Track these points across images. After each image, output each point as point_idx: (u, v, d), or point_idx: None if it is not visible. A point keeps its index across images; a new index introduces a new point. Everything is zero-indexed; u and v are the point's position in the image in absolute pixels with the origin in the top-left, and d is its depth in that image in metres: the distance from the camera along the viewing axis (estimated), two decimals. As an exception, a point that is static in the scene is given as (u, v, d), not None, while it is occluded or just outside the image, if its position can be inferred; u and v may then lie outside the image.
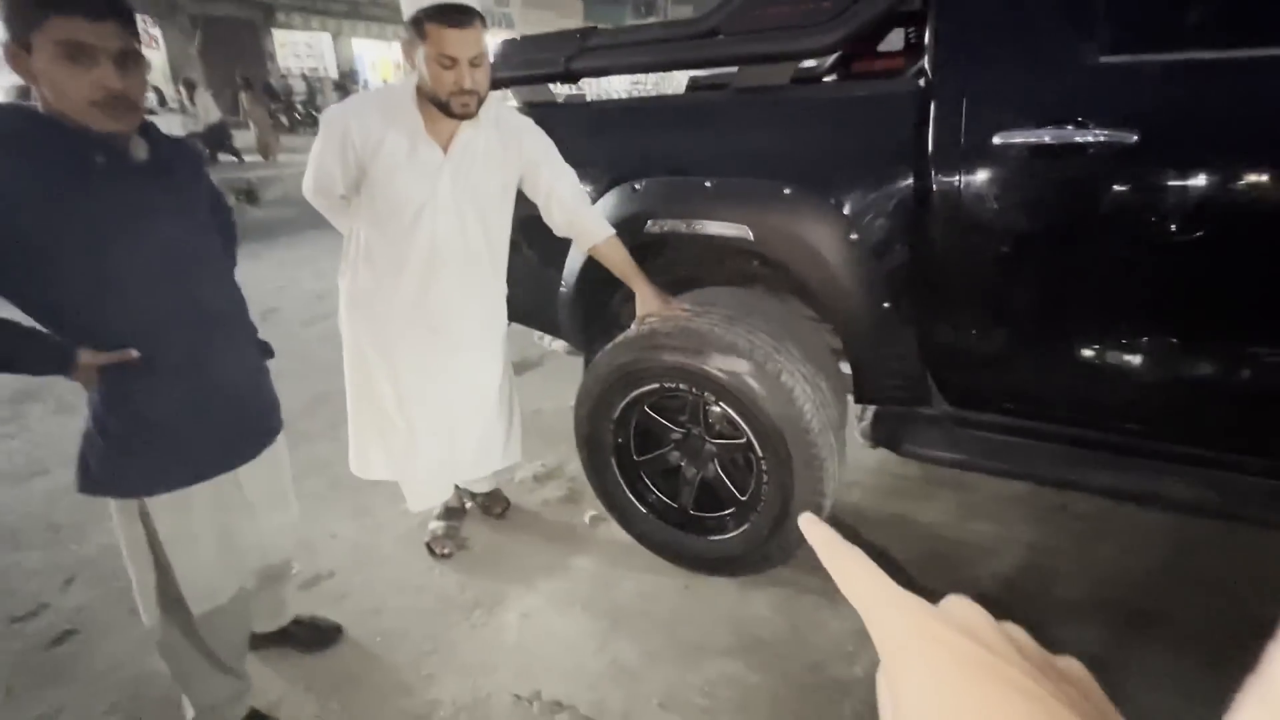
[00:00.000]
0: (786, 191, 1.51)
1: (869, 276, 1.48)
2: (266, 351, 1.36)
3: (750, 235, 1.55)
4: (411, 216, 1.47)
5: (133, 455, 1.11)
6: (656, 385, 1.61)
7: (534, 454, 2.31)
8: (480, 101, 1.40)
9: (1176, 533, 1.85)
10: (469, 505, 2.05)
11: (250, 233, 6.22)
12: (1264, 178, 1.14)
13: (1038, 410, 1.48)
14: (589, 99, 2.06)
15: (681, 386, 1.58)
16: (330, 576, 1.86)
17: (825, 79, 1.75)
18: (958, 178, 1.33)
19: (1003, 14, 1.30)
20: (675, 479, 1.75)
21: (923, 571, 1.80)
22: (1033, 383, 1.44)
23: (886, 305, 1.49)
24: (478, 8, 1.33)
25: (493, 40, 1.57)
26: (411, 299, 1.54)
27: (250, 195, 7.52)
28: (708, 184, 1.59)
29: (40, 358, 1.04)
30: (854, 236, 1.46)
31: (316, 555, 1.93)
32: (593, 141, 1.81)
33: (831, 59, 2.29)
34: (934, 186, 1.35)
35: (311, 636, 1.61)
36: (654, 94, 2.04)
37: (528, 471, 2.27)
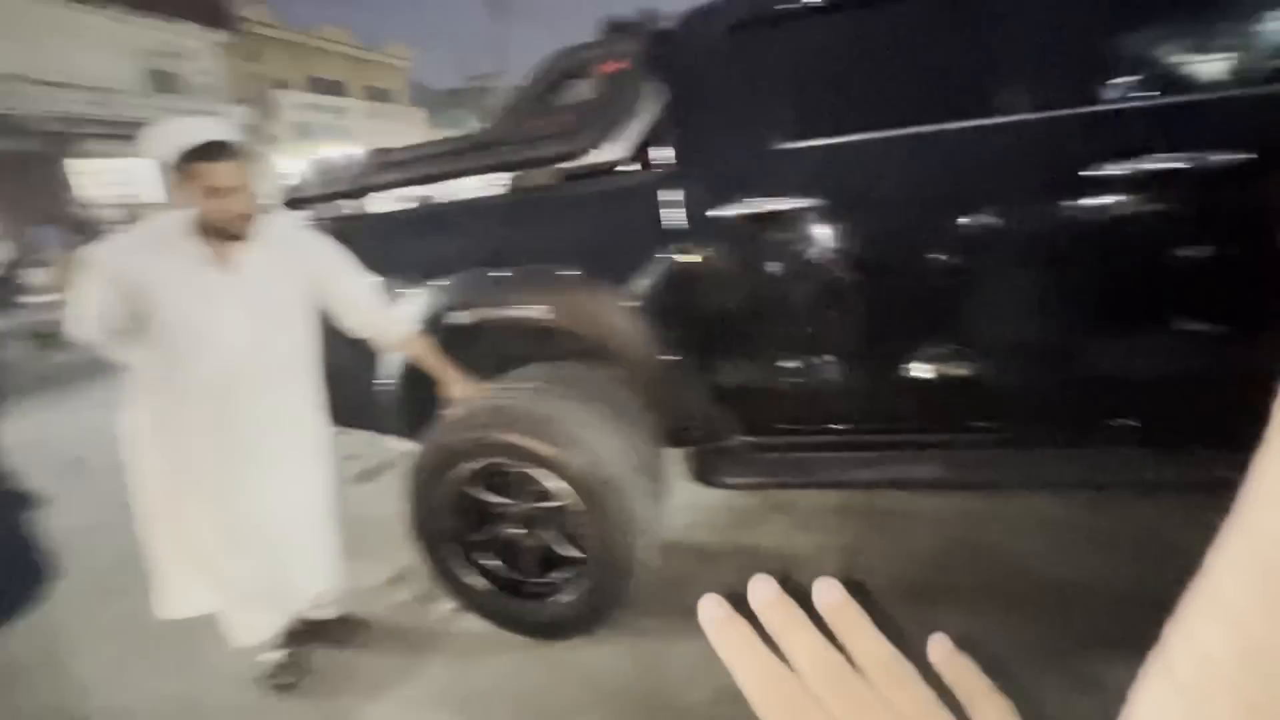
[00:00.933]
0: (572, 273, 1.73)
1: (650, 337, 1.71)
2: (25, 500, 1.29)
3: (550, 314, 1.74)
4: (200, 339, 1.49)
5: None
6: (476, 463, 1.69)
7: (385, 558, 2.25)
8: (251, 221, 1.49)
9: (955, 510, 2.20)
10: (309, 631, 1.93)
11: (51, 379, 5.55)
12: (908, 223, 1.52)
13: (804, 427, 1.75)
14: (400, 208, 2.21)
15: (498, 460, 1.68)
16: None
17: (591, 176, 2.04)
18: (689, 246, 1.63)
19: (705, 118, 1.64)
20: (511, 551, 1.81)
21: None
22: (793, 405, 1.71)
23: (670, 359, 1.72)
24: (231, 142, 1.44)
25: (334, 152, 1.67)
26: (211, 420, 1.53)
27: (49, 339, 6.74)
28: (509, 273, 1.78)
29: None
30: (630, 305, 1.70)
31: None
32: (399, 246, 1.95)
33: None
34: (674, 256, 1.63)
35: None
36: (456, 199, 2.24)
37: (378, 577, 2.21)
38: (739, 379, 1.72)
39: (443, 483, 1.74)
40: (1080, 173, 1.38)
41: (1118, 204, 1.38)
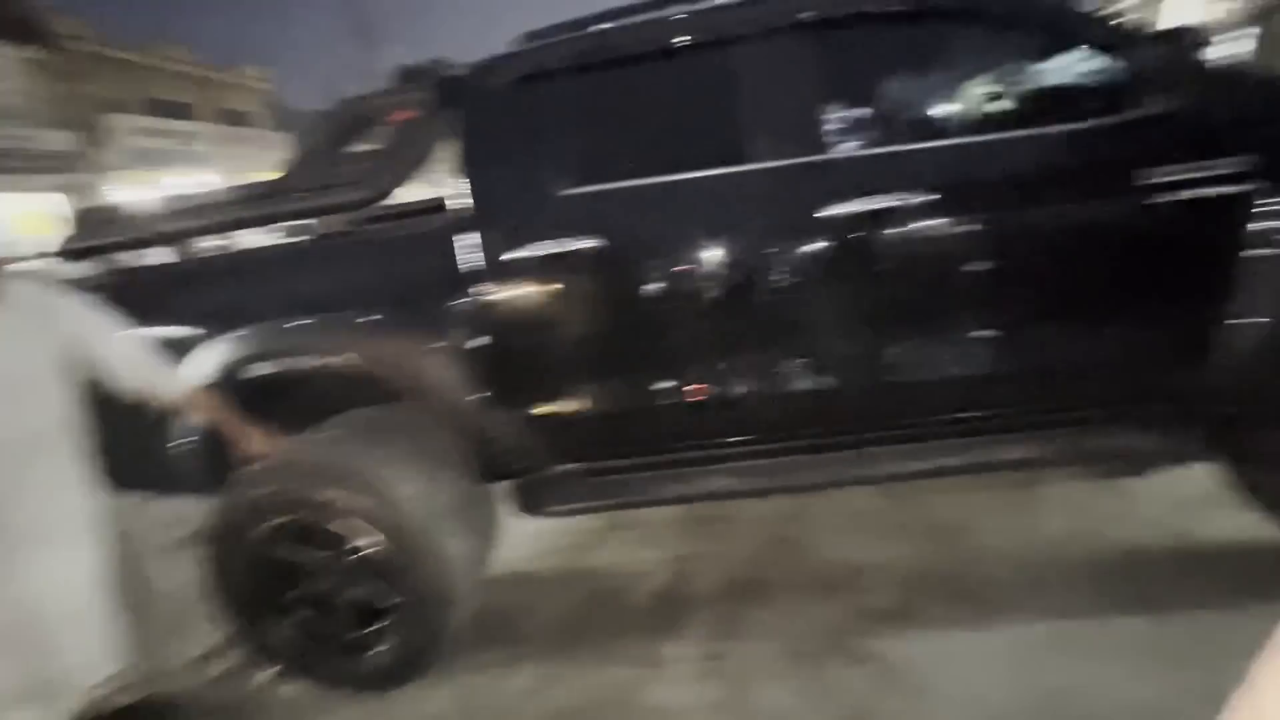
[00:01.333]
0: (374, 319, 1.73)
1: (458, 376, 1.74)
2: None
3: (354, 362, 1.73)
4: None
5: None
6: (276, 520, 1.64)
7: (204, 628, 2.10)
8: None
9: (776, 511, 2.39)
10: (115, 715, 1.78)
11: None
12: (682, 257, 1.66)
13: (615, 449, 1.85)
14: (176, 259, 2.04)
15: (300, 515, 1.64)
16: None
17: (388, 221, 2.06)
18: (487, 288, 1.69)
19: (496, 165, 1.72)
20: (326, 606, 1.76)
21: (593, 608, 2.05)
22: (602, 430, 1.81)
23: (480, 396, 1.76)
24: None
25: (187, 182, 1.54)
26: None
27: None
28: (309, 322, 1.75)
29: None
30: (437, 346, 1.72)
31: None
32: (189, 297, 1.86)
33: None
34: (474, 298, 1.69)
35: None
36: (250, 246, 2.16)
37: (196, 650, 2.06)
38: (549, 410, 1.79)
39: (243, 544, 1.66)
40: (814, 213, 1.59)
41: (850, 235, 1.60)
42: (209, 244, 2.00)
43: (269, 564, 1.69)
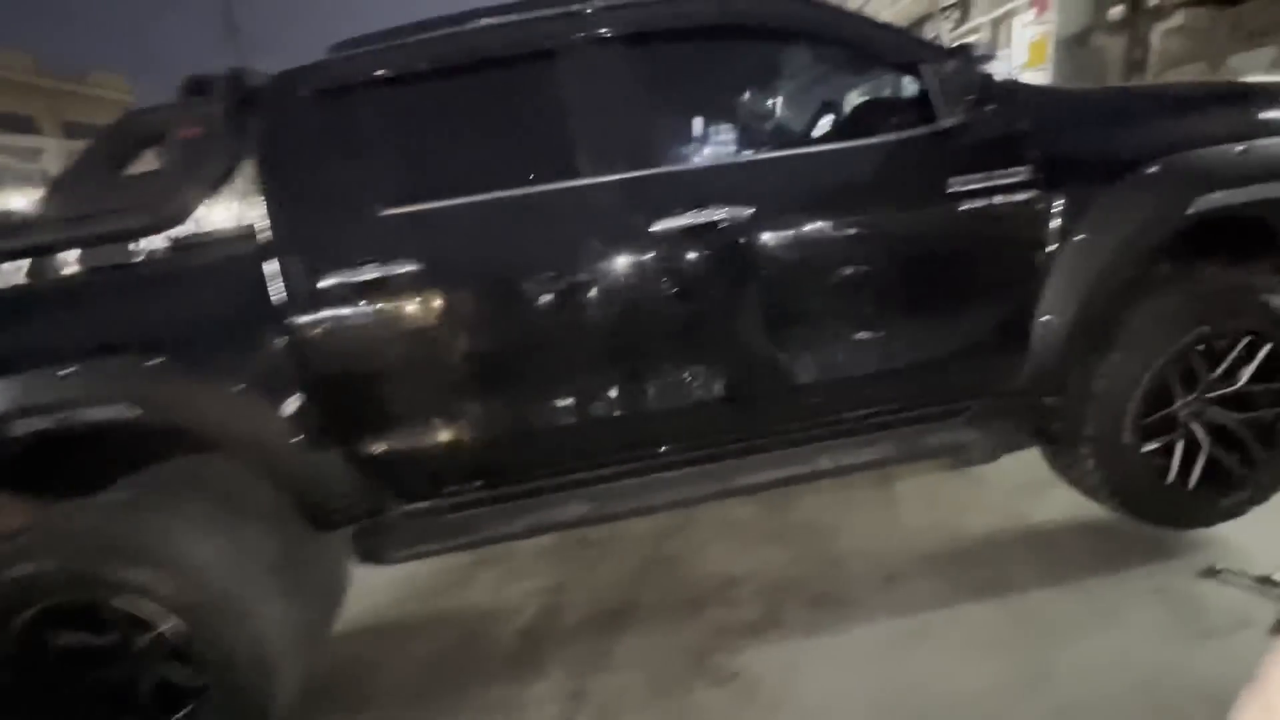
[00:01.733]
0: (168, 360, 1.52)
1: (275, 418, 1.56)
2: None
3: (139, 411, 1.51)
4: None
5: None
6: (44, 602, 1.40)
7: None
8: None
9: (651, 529, 2.34)
10: None
11: None
12: (515, 278, 1.58)
13: (460, 484, 1.73)
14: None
15: (75, 595, 1.40)
16: None
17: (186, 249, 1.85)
18: (304, 318, 1.52)
19: (304, 185, 1.57)
20: (122, 697, 1.53)
21: (453, 656, 1.91)
22: (440, 464, 1.68)
23: (304, 438, 1.59)
24: None
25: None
26: None
27: None
28: (74, 369, 1.51)
29: None
30: (245, 386, 1.54)
31: None
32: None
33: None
34: (288, 330, 1.52)
35: None
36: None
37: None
38: (381, 447, 1.64)
39: (6, 632, 1.41)
40: (648, 227, 1.55)
41: (684, 248, 1.57)
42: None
43: (41, 655, 1.44)
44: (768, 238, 1.59)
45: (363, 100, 1.59)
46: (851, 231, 1.63)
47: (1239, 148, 1.67)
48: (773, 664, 1.68)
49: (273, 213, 1.56)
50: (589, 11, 1.60)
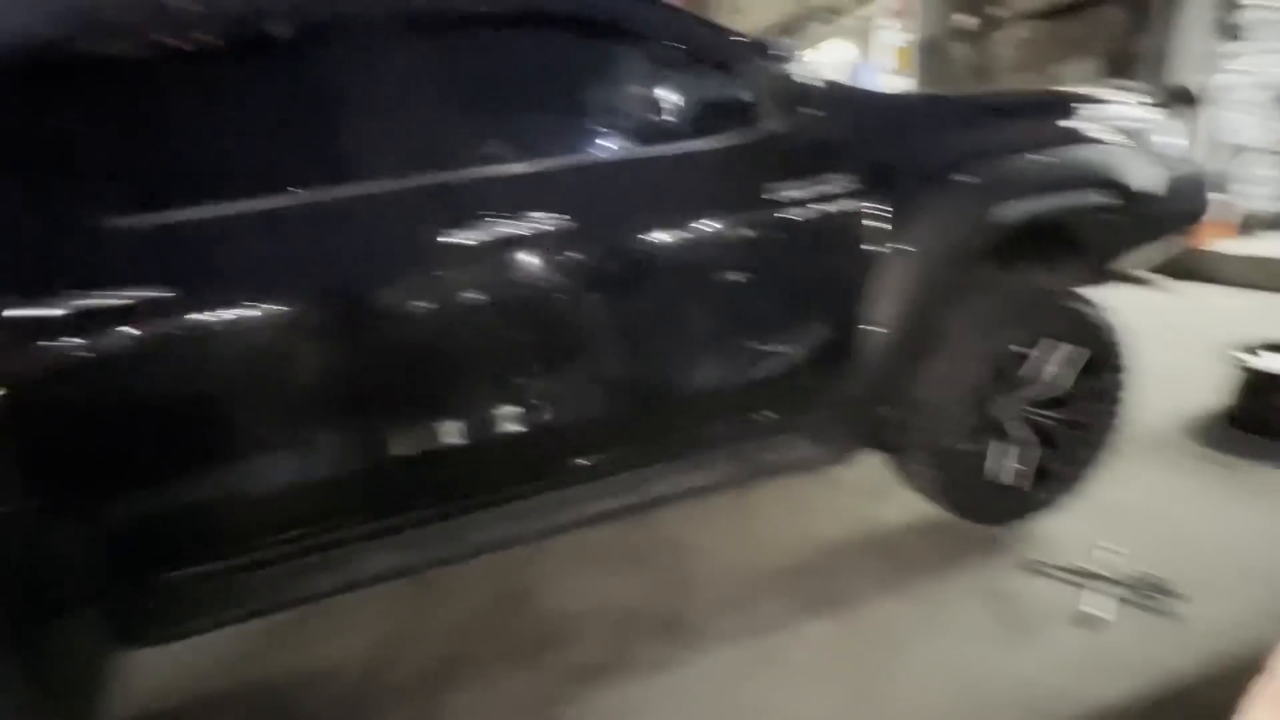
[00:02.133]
0: None
1: None
2: None
3: None
4: None
5: None
6: None
7: None
8: None
9: (501, 560, 2.12)
10: None
11: None
12: (277, 303, 1.33)
13: (230, 546, 1.46)
14: None
15: None
16: None
17: None
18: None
19: None
20: None
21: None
22: (201, 525, 1.42)
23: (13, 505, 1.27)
24: None
25: None
26: None
27: None
28: None
29: None
30: None
31: None
32: None
33: None
34: None
35: None
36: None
37: None
38: (125, 510, 1.35)
39: None
40: (438, 241, 1.36)
41: (481, 264, 1.40)
42: None
43: None
44: (580, 250, 1.45)
45: (80, 85, 1.27)
46: (671, 243, 1.53)
47: (1041, 157, 1.73)
48: (616, 708, 1.57)
49: None
50: None
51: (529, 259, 1.42)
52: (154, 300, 1.26)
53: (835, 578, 1.91)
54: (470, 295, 1.39)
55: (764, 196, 1.55)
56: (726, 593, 1.91)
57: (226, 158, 1.36)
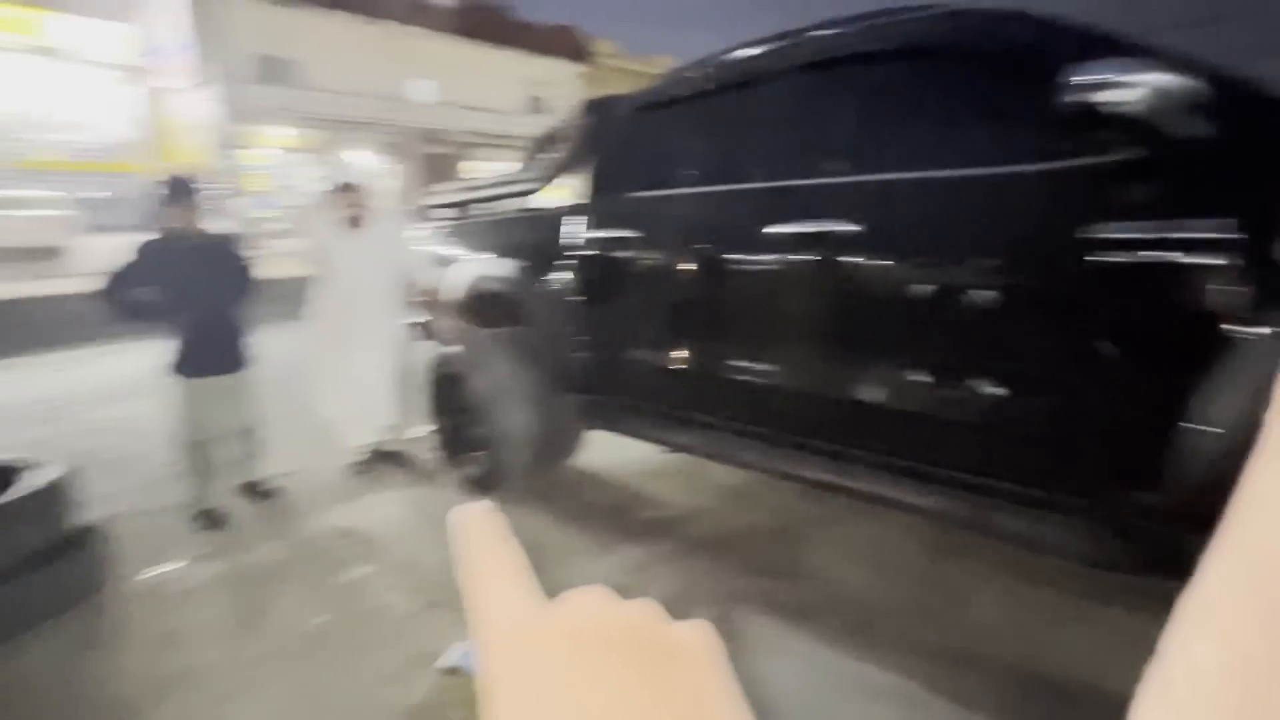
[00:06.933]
0: (521, 265, 2.75)
1: (557, 312, 2.61)
2: (242, 330, 2.78)
3: (507, 289, 2.80)
4: (342, 271, 2.99)
5: (178, 360, 2.65)
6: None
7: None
8: (367, 218, 3.01)
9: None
10: (381, 451, 3.29)
11: None
12: (694, 247, 2.17)
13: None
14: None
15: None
16: (290, 471, 3.17)
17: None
18: (586, 254, 2.49)
19: (597, 179, 2.52)
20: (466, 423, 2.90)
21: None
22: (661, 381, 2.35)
23: (564, 330, 2.60)
24: (355, 180, 3.03)
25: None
26: (344, 311, 2.99)
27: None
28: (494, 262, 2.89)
29: (150, 316, 2.63)
30: (547, 290, 2.62)
31: (285, 457, 3.18)
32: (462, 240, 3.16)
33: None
34: (579, 260, 2.49)
35: (261, 492, 3.00)
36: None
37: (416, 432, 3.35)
38: (610, 354, 2.52)
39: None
40: (763, 229, 1.90)
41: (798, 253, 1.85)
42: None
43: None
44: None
45: (647, 116, 2.43)
46: (973, 268, 1.56)
47: None
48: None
49: (584, 190, 2.53)
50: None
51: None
52: (631, 235, 2.40)
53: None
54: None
55: (1097, 235, 1.34)
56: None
57: (670, 165, 2.40)
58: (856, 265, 1.75)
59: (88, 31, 16.33)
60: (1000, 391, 1.53)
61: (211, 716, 1.72)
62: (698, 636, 0.22)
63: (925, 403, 1.65)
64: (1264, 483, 0.18)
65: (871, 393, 1.76)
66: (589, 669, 0.19)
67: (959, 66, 1.66)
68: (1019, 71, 1.53)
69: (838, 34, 1.91)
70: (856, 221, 1.74)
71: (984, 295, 1.53)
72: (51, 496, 2.16)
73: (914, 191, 1.68)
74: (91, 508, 2.40)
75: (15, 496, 2.06)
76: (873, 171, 1.79)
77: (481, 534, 0.23)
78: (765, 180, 2.02)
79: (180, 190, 2.64)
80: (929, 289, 1.62)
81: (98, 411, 4.45)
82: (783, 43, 2.07)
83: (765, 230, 1.93)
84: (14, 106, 16.75)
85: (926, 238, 1.66)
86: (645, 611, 0.22)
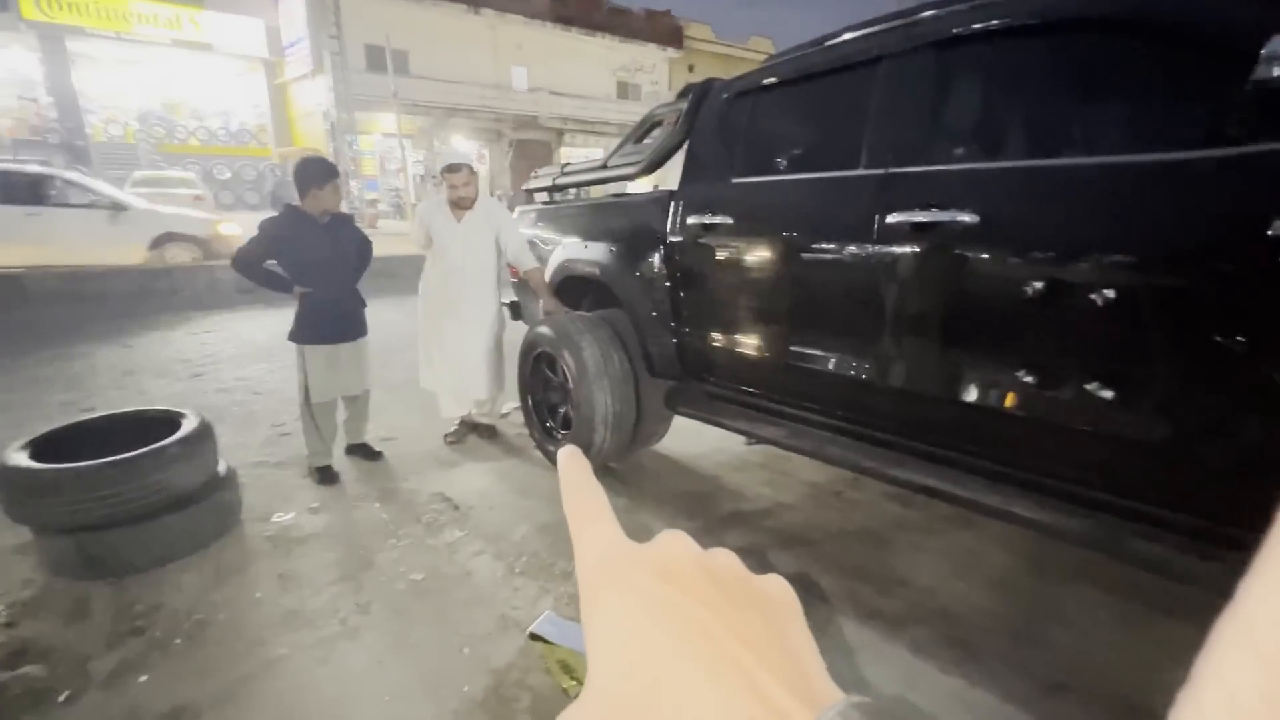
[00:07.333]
0: (612, 249, 2.76)
1: (648, 296, 2.64)
2: (363, 301, 3.05)
3: (598, 272, 2.82)
4: (446, 252, 3.18)
5: (303, 328, 2.86)
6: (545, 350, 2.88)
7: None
8: (472, 201, 3.16)
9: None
10: (473, 424, 3.56)
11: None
12: (792, 238, 2.10)
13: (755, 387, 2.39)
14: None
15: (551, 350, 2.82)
16: (391, 437, 3.49)
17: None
18: (679, 240, 2.50)
19: (692, 164, 2.53)
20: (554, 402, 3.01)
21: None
22: (752, 371, 2.35)
23: (654, 314, 2.64)
24: (465, 162, 3.14)
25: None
26: (446, 290, 3.21)
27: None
28: (586, 246, 2.96)
29: (282, 287, 2.85)
30: (638, 274, 2.64)
31: (387, 423, 3.54)
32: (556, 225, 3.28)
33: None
34: (672, 245, 2.52)
35: (369, 453, 3.26)
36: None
37: (510, 408, 3.66)
38: (705, 342, 2.51)
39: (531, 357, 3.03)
40: (883, 217, 1.77)
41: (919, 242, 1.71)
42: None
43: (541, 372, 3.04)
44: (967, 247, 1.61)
45: (748, 101, 2.38)
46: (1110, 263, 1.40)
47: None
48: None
49: (683, 174, 2.55)
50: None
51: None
52: (728, 220, 2.36)
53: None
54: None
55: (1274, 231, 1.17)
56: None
57: (768, 152, 2.37)
58: (984, 259, 1.61)
59: (221, 25, 17.99)
60: (1123, 398, 1.42)
61: (318, 655, 1.88)
62: (778, 587, 0.24)
63: (1037, 407, 1.55)
64: None
65: (976, 393, 1.66)
66: (675, 598, 0.21)
67: (1124, 39, 1.45)
68: (1203, 44, 1.33)
69: (977, 8, 1.69)
70: (977, 212, 1.60)
71: (1114, 294, 1.38)
72: (201, 442, 2.42)
73: (1040, 181, 1.54)
74: (225, 458, 2.67)
75: (175, 439, 2.32)
76: (999, 158, 1.69)
77: (578, 473, 0.26)
78: (872, 167, 1.88)
79: (325, 172, 2.81)
80: (1050, 287, 1.47)
81: (229, 371, 4.91)
82: (907, 21, 1.88)
83: (871, 219, 1.81)
84: (163, 95, 18.83)
85: (1047, 231, 1.51)
86: (728, 558, 0.24)
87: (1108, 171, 1.43)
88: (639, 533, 0.21)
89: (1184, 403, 1.37)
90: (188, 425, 2.42)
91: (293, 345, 2.91)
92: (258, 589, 2.19)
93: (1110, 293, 1.39)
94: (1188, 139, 1.34)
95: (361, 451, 3.24)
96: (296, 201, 2.83)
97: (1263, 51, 1.16)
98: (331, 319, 2.91)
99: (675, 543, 0.24)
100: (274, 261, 2.83)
